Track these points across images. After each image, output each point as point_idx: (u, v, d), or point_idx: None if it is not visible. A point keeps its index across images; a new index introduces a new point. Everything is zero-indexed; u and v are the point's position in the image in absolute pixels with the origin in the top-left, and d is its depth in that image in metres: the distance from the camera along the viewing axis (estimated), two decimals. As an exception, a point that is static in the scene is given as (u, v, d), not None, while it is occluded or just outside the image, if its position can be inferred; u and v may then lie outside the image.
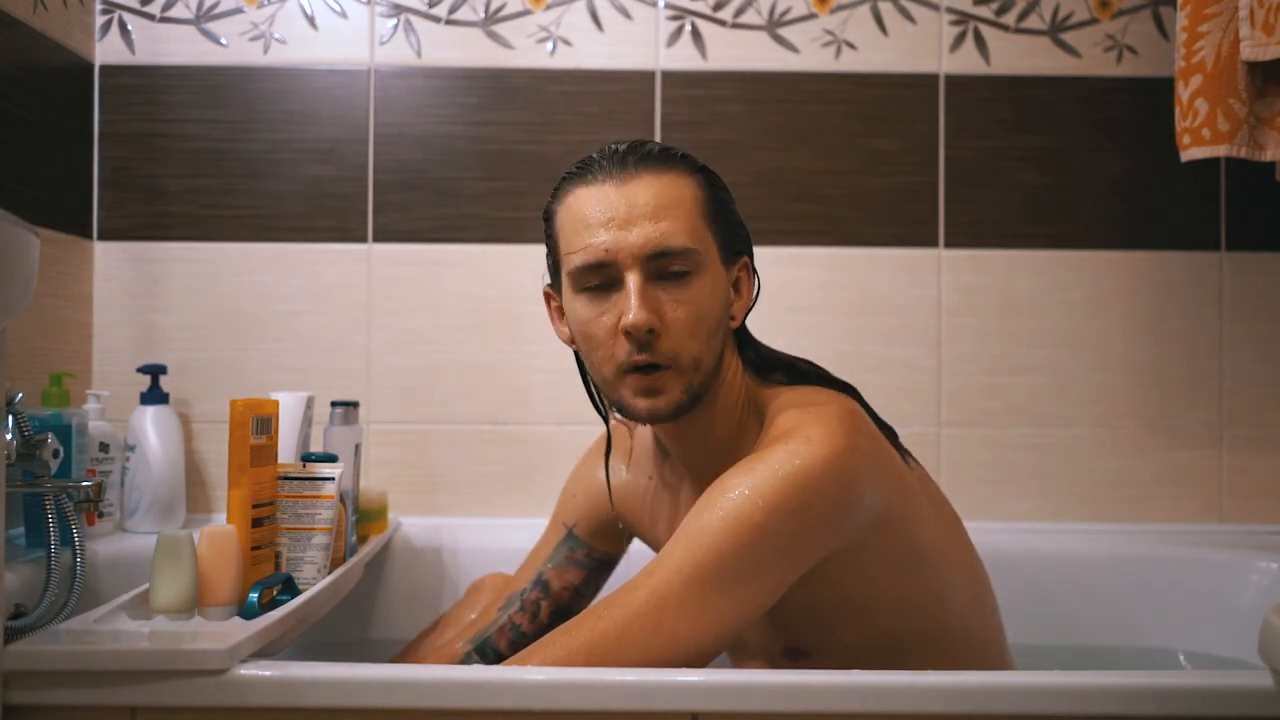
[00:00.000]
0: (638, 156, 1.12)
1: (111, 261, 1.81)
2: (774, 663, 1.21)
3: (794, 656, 1.19)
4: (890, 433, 1.20)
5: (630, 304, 1.07)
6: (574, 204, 1.12)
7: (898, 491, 1.13)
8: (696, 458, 1.20)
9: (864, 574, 1.13)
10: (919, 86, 1.83)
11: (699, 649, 1.01)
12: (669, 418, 1.11)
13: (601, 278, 1.10)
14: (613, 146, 1.14)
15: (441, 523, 1.75)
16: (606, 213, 1.09)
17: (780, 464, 1.03)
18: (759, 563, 1.02)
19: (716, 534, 1.01)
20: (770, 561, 1.03)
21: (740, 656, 1.28)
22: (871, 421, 1.15)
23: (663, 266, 1.09)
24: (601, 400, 1.24)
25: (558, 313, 1.19)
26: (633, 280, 1.08)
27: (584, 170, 1.13)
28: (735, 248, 1.17)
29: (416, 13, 1.82)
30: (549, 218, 1.16)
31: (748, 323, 1.23)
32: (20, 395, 1.33)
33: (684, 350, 1.09)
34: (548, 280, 1.21)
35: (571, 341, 1.18)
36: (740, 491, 1.03)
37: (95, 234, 1.80)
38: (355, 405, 1.48)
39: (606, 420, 1.25)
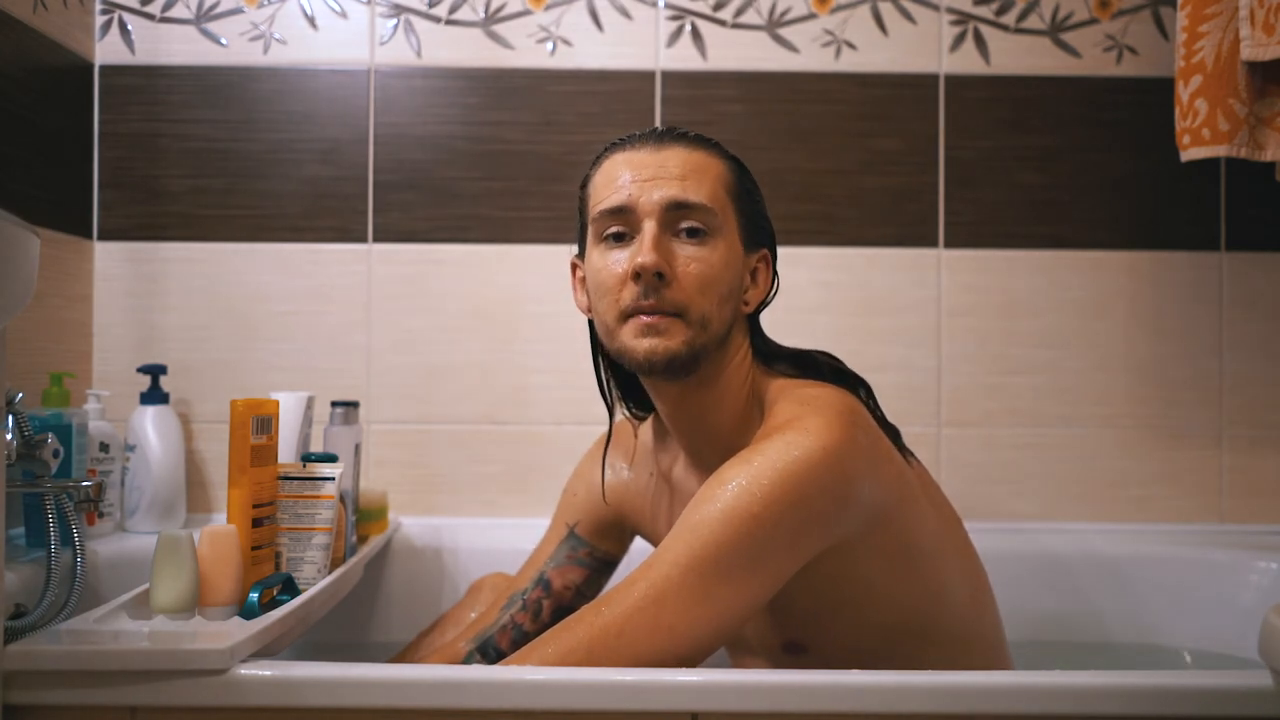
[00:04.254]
0: (675, 135, 1.18)
1: (111, 261, 1.81)
2: (772, 658, 1.21)
3: (792, 652, 1.19)
4: (894, 431, 1.20)
5: (643, 246, 1.11)
6: (608, 166, 1.17)
7: (896, 487, 1.13)
8: (697, 443, 1.21)
9: (862, 569, 1.13)
10: (919, 86, 1.83)
11: (698, 643, 1.01)
12: (663, 366, 1.11)
13: (621, 225, 1.14)
14: (653, 127, 1.20)
15: (441, 523, 1.75)
16: (636, 169, 1.14)
17: (777, 456, 1.03)
18: (756, 555, 1.02)
19: (714, 526, 1.02)
20: (767, 554, 1.03)
21: (739, 652, 1.28)
22: (870, 416, 1.16)
23: (680, 219, 1.13)
24: (608, 385, 1.24)
25: (580, 283, 1.22)
26: (649, 226, 1.12)
27: (623, 140, 1.19)
28: (757, 239, 1.20)
29: (416, 13, 1.82)
30: (585, 184, 1.20)
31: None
32: (20, 395, 1.33)
33: (693, 304, 1.11)
34: (575, 252, 1.24)
35: (588, 310, 1.20)
36: (737, 483, 1.03)
37: (95, 234, 1.80)
38: (355, 405, 1.49)
39: (610, 410, 1.26)
